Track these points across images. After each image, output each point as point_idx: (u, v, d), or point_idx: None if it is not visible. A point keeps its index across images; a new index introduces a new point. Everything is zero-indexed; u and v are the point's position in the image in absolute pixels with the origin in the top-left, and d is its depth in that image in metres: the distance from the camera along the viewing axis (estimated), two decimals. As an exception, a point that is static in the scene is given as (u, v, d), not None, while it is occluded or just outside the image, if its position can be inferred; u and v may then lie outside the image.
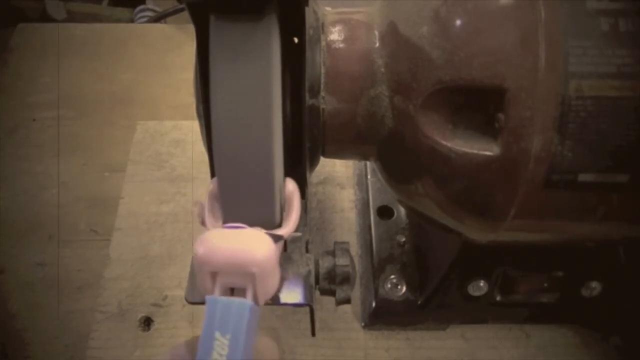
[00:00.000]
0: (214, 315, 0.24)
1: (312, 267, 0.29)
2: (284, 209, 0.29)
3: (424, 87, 0.27)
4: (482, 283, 0.37)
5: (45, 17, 0.79)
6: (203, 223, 0.28)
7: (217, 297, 0.24)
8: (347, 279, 0.29)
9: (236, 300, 0.24)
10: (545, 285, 0.38)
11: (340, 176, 0.51)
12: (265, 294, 0.26)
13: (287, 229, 0.27)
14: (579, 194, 0.27)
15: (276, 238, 0.26)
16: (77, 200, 0.50)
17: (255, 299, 0.25)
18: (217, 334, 0.23)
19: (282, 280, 0.28)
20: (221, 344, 0.23)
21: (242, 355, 0.23)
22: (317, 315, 0.33)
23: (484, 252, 0.35)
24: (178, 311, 0.44)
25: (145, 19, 0.75)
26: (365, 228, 0.46)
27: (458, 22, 0.27)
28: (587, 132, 0.25)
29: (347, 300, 0.30)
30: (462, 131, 0.28)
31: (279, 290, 0.27)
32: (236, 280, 0.25)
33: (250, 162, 0.26)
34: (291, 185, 0.29)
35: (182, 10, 0.66)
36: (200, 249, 0.25)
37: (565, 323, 0.43)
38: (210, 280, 0.25)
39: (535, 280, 0.38)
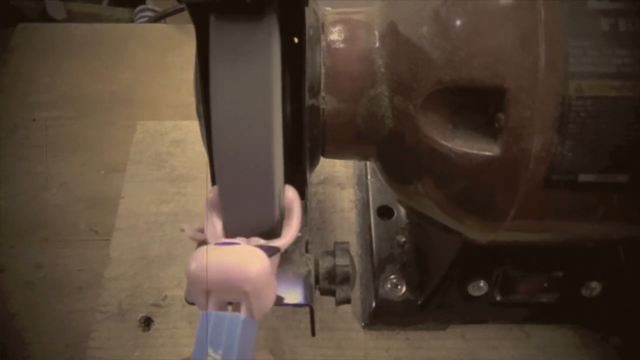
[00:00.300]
0: (206, 330, 0.23)
1: (312, 267, 0.29)
2: (283, 214, 0.28)
3: (424, 87, 0.27)
4: (482, 283, 0.37)
5: (45, 17, 0.79)
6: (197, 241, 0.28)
7: (209, 312, 0.24)
8: (347, 279, 0.29)
9: (228, 315, 0.24)
10: (545, 285, 0.38)
11: (340, 176, 0.51)
12: (261, 308, 0.25)
13: (284, 240, 0.27)
14: (579, 194, 0.27)
15: (272, 251, 0.26)
16: (77, 200, 0.50)
17: (250, 314, 0.25)
18: (210, 350, 0.23)
19: (280, 298, 0.28)
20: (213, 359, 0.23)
21: None
22: (317, 315, 0.33)
23: (484, 252, 0.35)
24: (178, 311, 0.44)
25: (145, 19, 0.75)
26: (365, 228, 0.46)
27: (458, 22, 0.27)
28: (587, 132, 0.25)
29: (347, 300, 0.30)
30: (462, 131, 0.28)
31: (276, 302, 0.27)
32: (230, 296, 0.25)
33: (250, 162, 0.26)
34: (291, 193, 0.29)
35: (182, 10, 0.66)
36: (193, 265, 0.24)
37: (565, 323, 0.43)
38: (203, 296, 0.25)
39: (535, 280, 0.38)
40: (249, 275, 0.24)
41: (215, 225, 0.28)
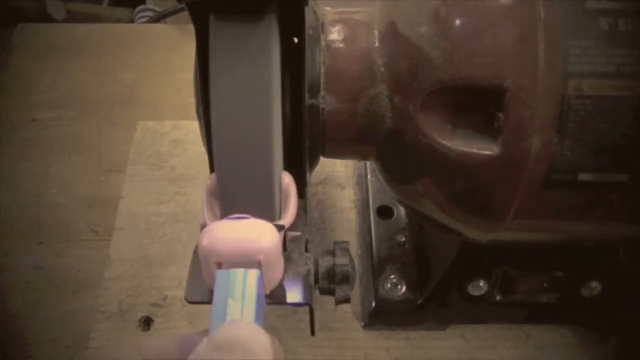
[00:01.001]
0: (225, 285, 0.24)
1: (311, 266, 0.29)
2: (281, 208, 0.29)
3: (424, 86, 0.27)
4: (482, 283, 0.37)
5: (45, 17, 0.79)
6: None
7: (227, 270, 0.24)
8: (346, 278, 0.29)
9: (245, 269, 0.24)
10: (545, 285, 0.38)
11: (340, 176, 0.51)
12: (271, 281, 0.26)
13: (287, 219, 0.28)
14: (579, 193, 0.27)
15: (278, 227, 0.26)
16: (77, 200, 0.50)
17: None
18: (230, 301, 0.23)
19: (286, 268, 0.28)
20: (234, 309, 0.23)
21: (256, 316, 0.23)
22: (317, 315, 0.33)
23: (484, 252, 0.35)
24: (178, 311, 0.44)
25: (145, 19, 0.75)
26: (365, 228, 0.46)
27: (457, 22, 0.27)
28: (587, 131, 0.25)
29: (347, 300, 0.30)
30: (461, 131, 0.28)
31: (281, 280, 0.27)
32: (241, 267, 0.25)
33: (249, 162, 0.26)
34: (287, 179, 0.29)
35: (182, 10, 0.66)
36: (205, 240, 0.25)
37: (565, 323, 0.42)
38: (215, 270, 0.25)
39: (535, 280, 0.38)
40: (263, 245, 0.25)
41: (215, 209, 0.28)
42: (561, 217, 0.29)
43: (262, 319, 0.24)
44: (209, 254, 0.25)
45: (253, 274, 0.24)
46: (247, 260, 0.25)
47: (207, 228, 0.26)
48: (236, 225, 0.25)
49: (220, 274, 0.24)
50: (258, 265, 0.25)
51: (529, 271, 0.37)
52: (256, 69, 0.25)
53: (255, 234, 0.25)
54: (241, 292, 0.23)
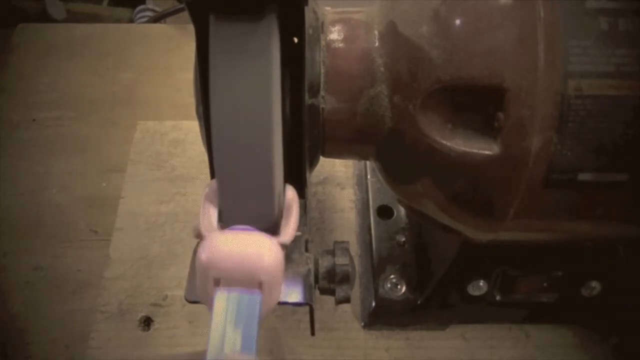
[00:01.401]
0: (224, 309, 0.23)
1: (311, 266, 0.29)
2: (282, 213, 0.28)
3: (424, 86, 0.27)
4: (481, 283, 0.37)
5: (45, 17, 0.79)
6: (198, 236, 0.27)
7: (226, 293, 0.24)
8: (346, 278, 0.29)
9: (246, 294, 0.24)
10: (545, 285, 0.38)
11: (340, 176, 0.51)
12: (270, 301, 0.25)
13: (284, 238, 0.27)
14: (579, 193, 0.27)
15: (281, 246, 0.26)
16: (77, 200, 0.50)
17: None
18: (229, 328, 0.23)
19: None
20: (233, 338, 0.23)
21: (255, 346, 0.23)
22: (317, 315, 0.33)
23: (484, 252, 0.35)
24: (178, 311, 0.44)
25: (145, 19, 0.75)
26: (365, 228, 0.46)
27: (457, 22, 0.27)
28: (587, 131, 0.25)
29: (347, 300, 0.30)
30: (461, 131, 0.28)
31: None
32: (241, 286, 0.25)
33: (249, 162, 0.26)
34: (291, 193, 0.29)
35: (182, 10, 0.66)
36: (204, 254, 0.24)
37: (565, 323, 0.42)
38: (212, 285, 0.25)
39: (535, 280, 0.38)
40: (265, 264, 0.24)
41: (211, 217, 0.27)
42: (561, 217, 0.29)
43: (256, 344, 0.23)
44: (209, 269, 0.24)
45: (253, 300, 0.23)
46: (248, 278, 0.24)
47: (206, 240, 0.25)
48: (238, 239, 0.25)
49: (220, 297, 0.23)
50: (259, 285, 0.24)
51: (529, 271, 0.37)
52: (256, 69, 0.25)
53: (258, 251, 0.24)
54: (243, 318, 0.23)
